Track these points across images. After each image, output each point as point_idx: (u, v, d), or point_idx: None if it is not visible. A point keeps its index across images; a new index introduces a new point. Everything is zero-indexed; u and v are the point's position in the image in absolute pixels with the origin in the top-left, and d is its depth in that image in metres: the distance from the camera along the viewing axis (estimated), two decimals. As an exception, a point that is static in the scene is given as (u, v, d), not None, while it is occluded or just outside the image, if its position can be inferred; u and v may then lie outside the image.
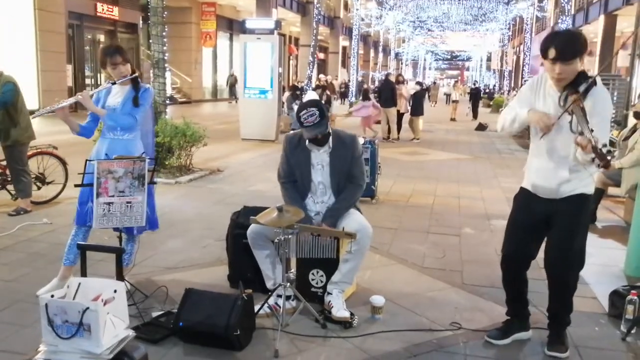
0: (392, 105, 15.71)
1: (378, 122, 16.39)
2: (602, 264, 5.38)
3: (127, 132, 4.28)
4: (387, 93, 15.79)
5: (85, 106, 4.20)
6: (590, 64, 25.16)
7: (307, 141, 4.10)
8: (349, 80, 33.94)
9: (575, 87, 3.19)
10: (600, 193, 6.87)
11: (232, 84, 32.22)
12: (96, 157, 4.14)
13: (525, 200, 3.64)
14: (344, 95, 34.60)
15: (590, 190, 3.47)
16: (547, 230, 3.55)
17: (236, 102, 31.01)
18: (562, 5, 19.67)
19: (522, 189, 3.67)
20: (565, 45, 3.18)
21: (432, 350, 3.60)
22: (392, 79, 16.95)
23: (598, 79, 3.27)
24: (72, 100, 4.29)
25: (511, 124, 3.52)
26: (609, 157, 2.85)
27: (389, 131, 15.89)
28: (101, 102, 4.28)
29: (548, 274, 3.58)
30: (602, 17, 25.08)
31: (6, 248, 5.31)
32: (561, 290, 3.59)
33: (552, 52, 3.18)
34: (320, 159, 4.15)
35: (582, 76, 3.22)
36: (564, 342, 3.63)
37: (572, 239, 3.44)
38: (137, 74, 4.30)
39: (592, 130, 2.94)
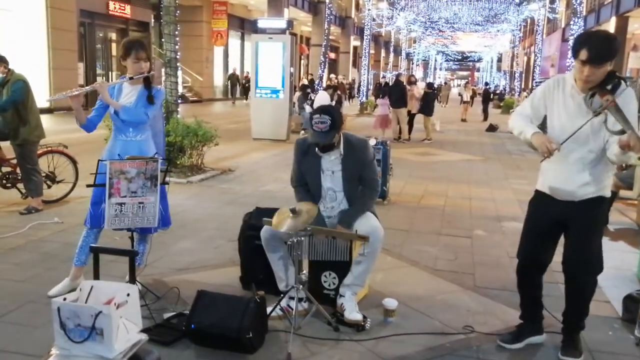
0: (403, 106, 15.66)
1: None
2: (614, 267, 5.31)
3: (139, 133, 4.26)
4: (397, 93, 15.74)
5: (101, 95, 4.16)
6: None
7: (316, 148, 4.07)
8: (353, 80, 33.67)
9: (603, 87, 3.12)
10: (612, 195, 6.81)
11: (233, 83, 31.69)
12: (108, 157, 4.11)
13: (541, 203, 3.59)
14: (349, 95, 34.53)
15: (607, 193, 3.43)
16: (563, 233, 3.51)
17: (233, 102, 30.35)
18: (574, 6, 19.50)
19: (538, 192, 3.62)
20: (598, 50, 3.11)
21: (445, 354, 3.57)
22: (403, 79, 16.89)
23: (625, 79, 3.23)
24: (88, 88, 4.26)
25: (518, 135, 3.48)
26: None
27: (400, 131, 15.84)
28: (113, 99, 4.26)
29: (567, 278, 3.54)
30: (613, 19, 24.94)
31: (17, 247, 5.32)
32: (579, 294, 3.54)
33: (584, 54, 3.12)
34: (330, 165, 4.10)
35: (610, 76, 3.16)
36: (577, 346, 3.59)
37: (590, 241, 3.42)
38: (152, 73, 4.30)
39: (630, 127, 2.90)
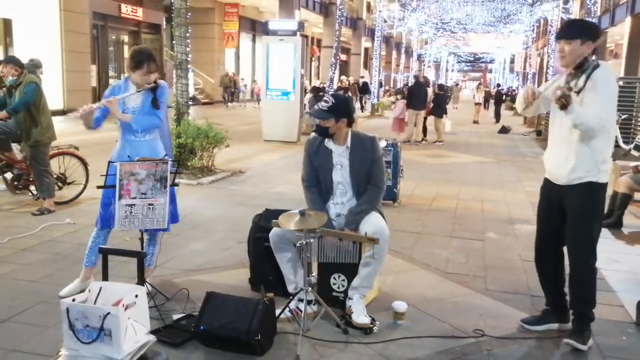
0: (423, 108, 15.63)
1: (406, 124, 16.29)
2: (628, 271, 5.27)
3: (148, 133, 4.29)
4: (420, 95, 15.66)
5: (113, 114, 4.20)
6: (616, 66, 24.82)
7: (326, 140, 4.15)
8: (353, 80, 33.22)
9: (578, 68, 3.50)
10: (627, 199, 6.76)
11: (226, 85, 29.91)
12: (118, 159, 4.14)
13: (544, 187, 3.87)
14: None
15: (600, 179, 3.56)
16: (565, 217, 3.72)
17: (226, 106, 28.69)
18: (588, 6, 19.33)
19: (544, 178, 3.88)
20: (568, 25, 3.69)
21: (455, 358, 3.55)
22: (422, 80, 16.83)
23: (603, 63, 3.50)
24: (99, 104, 4.28)
25: (520, 107, 3.83)
26: (564, 100, 3.25)
27: (414, 133, 15.81)
28: (119, 105, 4.28)
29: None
30: (628, 19, 24.71)
31: (29, 248, 5.35)
32: (573, 278, 3.67)
33: (559, 32, 3.58)
34: (339, 158, 4.16)
35: (586, 60, 3.48)
36: (583, 335, 3.64)
37: (577, 227, 3.60)
38: (159, 82, 4.33)
39: (570, 89, 3.35)
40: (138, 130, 4.25)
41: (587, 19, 18.77)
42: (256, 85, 30.11)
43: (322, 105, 4.08)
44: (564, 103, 3.26)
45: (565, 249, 3.80)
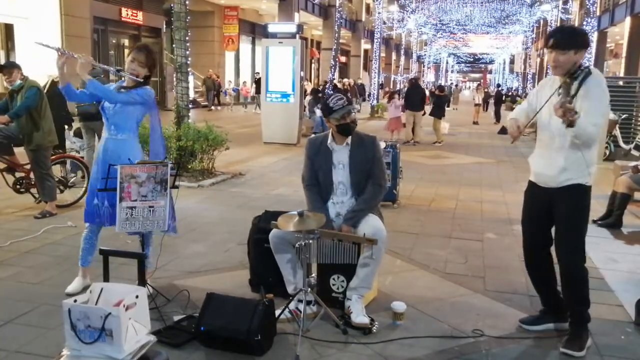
0: (421, 109, 15.66)
1: (403, 125, 16.32)
2: (628, 270, 5.30)
3: (120, 132, 4.30)
4: (416, 96, 15.70)
5: (78, 69, 4.23)
6: (616, 66, 24.85)
7: (329, 140, 4.20)
8: (353, 82, 33.15)
9: (571, 75, 3.48)
10: (626, 198, 6.78)
11: (208, 87, 28.12)
12: (102, 158, 4.23)
13: (530, 191, 3.92)
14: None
15: (588, 181, 3.61)
16: (553, 220, 3.74)
17: (209, 109, 27.32)
18: (587, 7, 19.32)
19: (529, 182, 3.93)
20: (562, 36, 3.55)
21: (453, 358, 3.57)
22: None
23: (594, 69, 3.53)
24: (74, 54, 4.27)
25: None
26: (574, 118, 3.17)
27: (413, 134, 15.84)
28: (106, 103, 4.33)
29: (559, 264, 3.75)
30: (628, 19, 24.75)
31: (32, 251, 5.39)
32: (567, 280, 3.67)
33: (551, 41, 3.54)
34: (340, 158, 4.20)
35: (579, 67, 3.49)
36: (579, 341, 3.64)
37: (568, 228, 3.63)
38: (145, 87, 4.35)
39: (570, 102, 3.25)
40: (110, 126, 4.29)
41: (586, 19, 18.83)
42: (245, 87, 29.78)
43: (342, 101, 4.09)
44: (571, 121, 3.23)
45: (552, 250, 3.82)
